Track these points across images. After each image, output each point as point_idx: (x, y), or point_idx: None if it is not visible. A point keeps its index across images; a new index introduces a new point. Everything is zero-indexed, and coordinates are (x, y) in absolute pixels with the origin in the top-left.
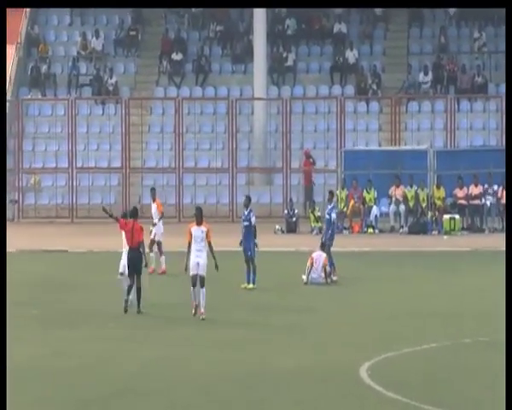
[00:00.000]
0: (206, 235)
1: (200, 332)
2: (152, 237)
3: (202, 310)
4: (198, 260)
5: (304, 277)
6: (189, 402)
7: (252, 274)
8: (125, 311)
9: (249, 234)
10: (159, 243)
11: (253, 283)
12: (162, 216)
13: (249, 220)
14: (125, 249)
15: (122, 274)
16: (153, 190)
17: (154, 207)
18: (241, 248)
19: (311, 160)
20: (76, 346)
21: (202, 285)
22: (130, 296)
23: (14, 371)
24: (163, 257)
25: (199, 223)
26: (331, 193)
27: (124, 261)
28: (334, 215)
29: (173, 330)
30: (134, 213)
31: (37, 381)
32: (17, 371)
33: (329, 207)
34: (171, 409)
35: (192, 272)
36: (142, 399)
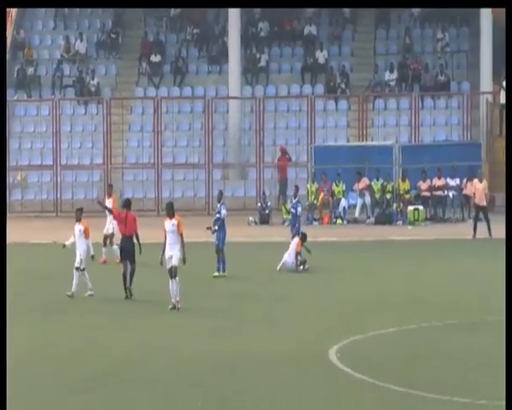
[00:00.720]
0: (178, 227)
1: (177, 321)
2: (105, 231)
3: (176, 300)
4: (171, 253)
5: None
6: (173, 388)
7: (221, 263)
8: (126, 297)
9: (219, 224)
10: (111, 236)
11: (223, 271)
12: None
13: (220, 213)
14: (81, 243)
15: (78, 268)
16: (110, 186)
17: (110, 202)
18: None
19: (287, 156)
20: (63, 333)
21: (175, 275)
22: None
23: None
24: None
25: (170, 217)
26: (296, 188)
27: (79, 255)
28: (299, 209)
29: (153, 319)
30: (127, 204)
31: (26, 368)
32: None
33: (294, 201)
34: (156, 395)
35: (167, 266)
36: (128, 385)
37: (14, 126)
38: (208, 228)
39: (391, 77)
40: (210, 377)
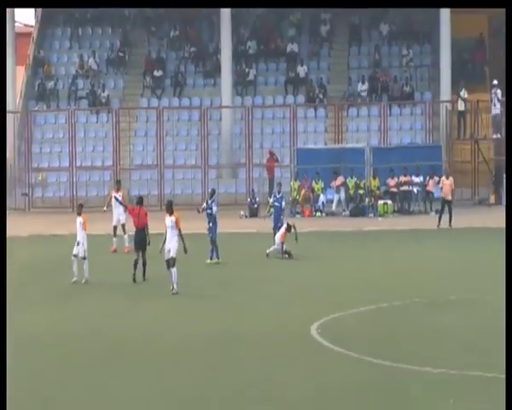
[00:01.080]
0: (176, 223)
1: (177, 302)
2: (115, 222)
3: (175, 286)
4: (169, 246)
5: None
6: (176, 361)
7: (215, 252)
8: (134, 281)
9: (212, 219)
10: (123, 225)
11: (218, 258)
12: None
13: (211, 208)
14: (80, 234)
15: (76, 256)
16: (118, 181)
17: (120, 195)
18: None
19: (275, 157)
20: (79, 313)
21: (173, 265)
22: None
23: (26, 338)
24: (126, 236)
25: (169, 213)
26: (279, 185)
27: (80, 246)
28: (283, 203)
29: (156, 301)
30: (140, 201)
31: (47, 346)
32: (29, 338)
33: (278, 196)
34: (162, 366)
35: (166, 257)
36: (136, 360)
37: (35, 133)
38: (197, 209)
39: (363, 88)
40: (207, 350)
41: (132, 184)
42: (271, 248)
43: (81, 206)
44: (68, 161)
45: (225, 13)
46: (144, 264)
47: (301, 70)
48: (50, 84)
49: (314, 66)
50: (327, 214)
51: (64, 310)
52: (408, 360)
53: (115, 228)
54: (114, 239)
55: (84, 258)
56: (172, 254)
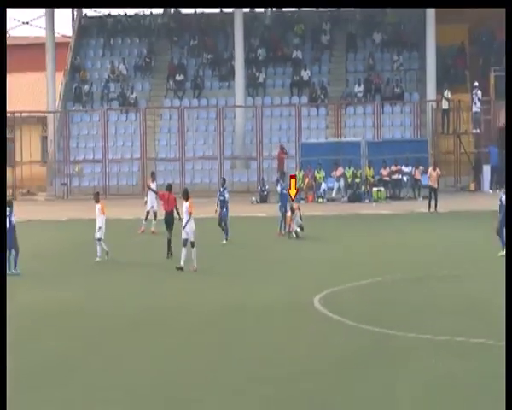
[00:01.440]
0: (188, 208)
1: (196, 279)
2: (148, 208)
3: (195, 264)
4: (187, 228)
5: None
6: (192, 328)
7: (225, 233)
8: (168, 257)
9: (224, 205)
10: (155, 212)
11: (226, 239)
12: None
13: (224, 196)
14: (99, 218)
15: (99, 240)
16: (153, 173)
17: (154, 185)
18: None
19: (285, 151)
20: (108, 288)
21: (192, 246)
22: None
23: (56, 307)
24: (155, 221)
25: (185, 200)
26: (283, 174)
27: (101, 229)
28: (285, 191)
29: (177, 277)
30: (169, 188)
31: (73, 316)
32: (59, 307)
33: (283, 184)
34: (181, 334)
35: (182, 236)
36: (156, 328)
37: (72, 130)
38: (215, 211)
39: (359, 89)
40: (222, 321)
41: (157, 174)
42: (295, 228)
43: (98, 194)
44: (101, 154)
45: (238, 24)
46: (169, 242)
47: (305, 74)
48: (86, 88)
49: (316, 70)
50: (328, 200)
51: (88, 285)
52: (404, 327)
53: (148, 213)
54: (144, 222)
55: (100, 239)
56: (192, 237)
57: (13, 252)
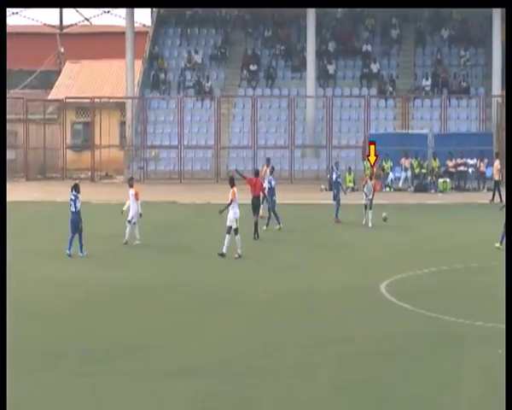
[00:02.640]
0: (231, 194)
1: (260, 265)
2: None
3: (238, 251)
4: (230, 213)
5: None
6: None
7: (276, 219)
8: (254, 238)
9: (270, 193)
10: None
11: (267, 226)
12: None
13: (270, 183)
14: (129, 202)
15: (130, 222)
16: (268, 159)
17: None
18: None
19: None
20: (180, 269)
21: (236, 233)
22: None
23: (139, 285)
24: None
25: (231, 186)
26: (337, 163)
27: (131, 212)
28: (339, 179)
29: (240, 262)
30: (257, 173)
31: (150, 293)
32: (136, 285)
33: (338, 172)
34: (258, 310)
35: (228, 223)
36: (232, 308)
37: (150, 116)
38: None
39: (426, 83)
40: (286, 302)
41: (230, 160)
42: (370, 216)
43: (132, 179)
44: (177, 140)
45: (311, 17)
46: (256, 223)
47: (374, 67)
48: (163, 76)
49: (385, 63)
50: (395, 190)
51: (166, 268)
52: (466, 315)
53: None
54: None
55: (131, 222)
56: (233, 224)
57: (76, 236)
